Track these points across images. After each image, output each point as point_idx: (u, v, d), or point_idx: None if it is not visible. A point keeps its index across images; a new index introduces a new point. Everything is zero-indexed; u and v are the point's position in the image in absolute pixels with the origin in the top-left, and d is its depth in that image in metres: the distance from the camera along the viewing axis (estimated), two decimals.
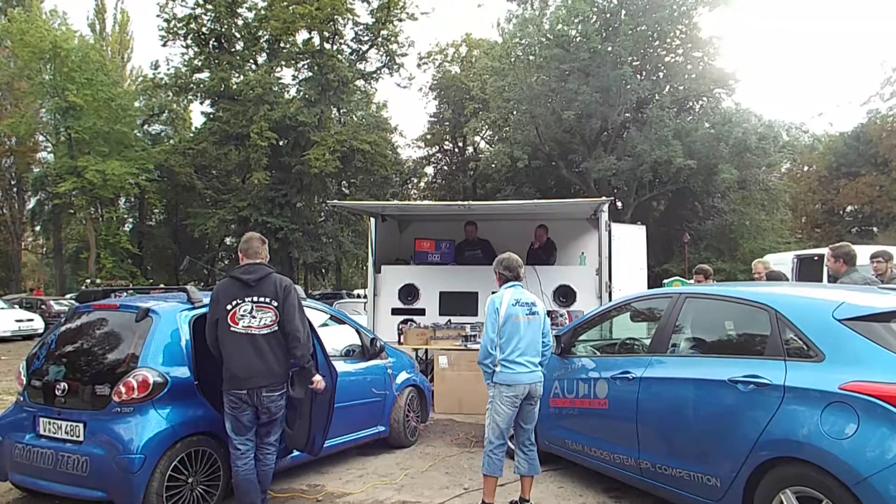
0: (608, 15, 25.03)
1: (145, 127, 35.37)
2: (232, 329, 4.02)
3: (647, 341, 4.63)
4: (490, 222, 9.39)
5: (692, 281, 8.01)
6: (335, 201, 23.91)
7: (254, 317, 4.04)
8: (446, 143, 39.63)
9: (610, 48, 23.98)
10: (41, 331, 18.89)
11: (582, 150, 27.34)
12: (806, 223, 39.72)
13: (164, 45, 29.16)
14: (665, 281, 17.05)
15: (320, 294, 28.53)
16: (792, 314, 3.49)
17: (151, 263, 37.75)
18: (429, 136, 39.26)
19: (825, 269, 11.02)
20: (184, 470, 4.11)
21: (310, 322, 4.54)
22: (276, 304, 4.07)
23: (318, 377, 4.23)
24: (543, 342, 4.33)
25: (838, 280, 5.47)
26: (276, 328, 4.08)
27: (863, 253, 6.16)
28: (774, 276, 6.75)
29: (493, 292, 4.46)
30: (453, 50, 37.69)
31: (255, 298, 4.06)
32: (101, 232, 30.87)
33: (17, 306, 21.87)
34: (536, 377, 4.24)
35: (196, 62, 29.03)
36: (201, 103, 31.02)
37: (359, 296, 24.69)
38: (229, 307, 4.03)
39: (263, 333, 4.04)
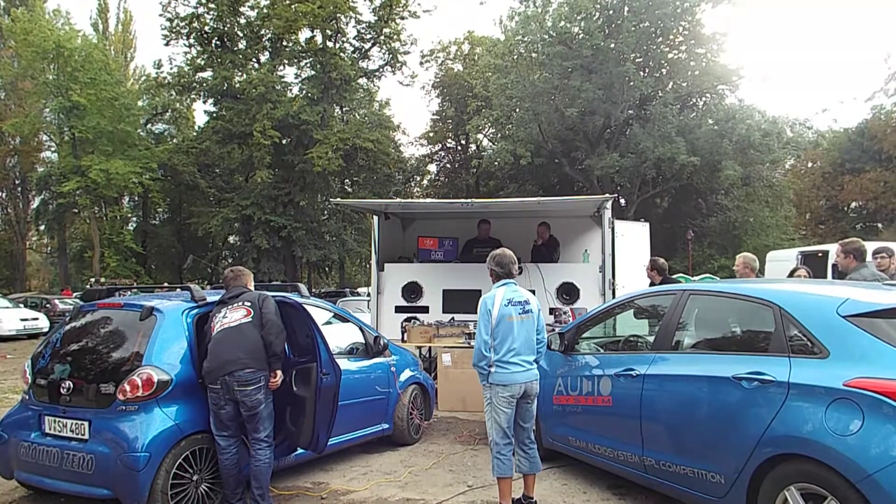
0: (611, 12, 24.97)
1: (149, 126, 35.44)
2: (212, 336, 4.30)
3: (651, 338, 4.62)
4: (494, 220, 9.39)
5: (696, 278, 8.00)
6: (338, 199, 23.86)
7: (225, 317, 4.34)
8: (449, 140, 39.56)
9: (613, 45, 23.91)
10: (46, 330, 18.97)
11: (585, 148, 27.30)
12: (810, 220, 39.60)
13: (166, 44, 29.15)
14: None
15: (323, 292, 28.58)
16: (796, 311, 3.48)
17: (155, 262, 37.86)
18: (431, 134, 39.18)
19: (829, 265, 11.04)
20: (188, 468, 4.13)
21: (313, 320, 4.57)
22: (248, 304, 4.39)
23: (278, 374, 4.38)
24: (538, 339, 4.33)
25: (847, 276, 5.44)
26: (250, 320, 4.32)
27: (868, 249, 6.13)
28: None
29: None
30: (456, 48, 37.64)
31: (230, 306, 4.41)
32: (105, 231, 30.99)
33: (21, 305, 21.97)
34: (532, 375, 4.24)
35: (199, 61, 29.02)
36: (204, 102, 31.04)
37: (359, 294, 24.73)
38: (211, 324, 4.37)
39: (233, 325, 4.29)
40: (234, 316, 4.34)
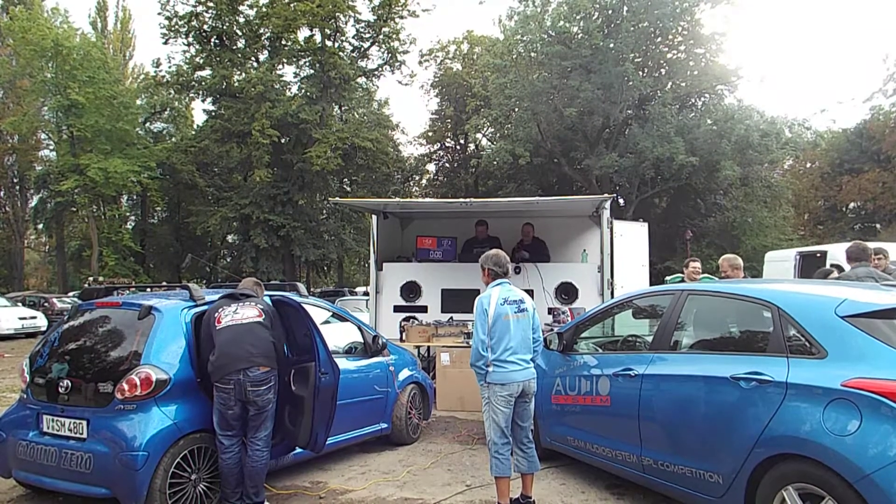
0: (610, 11, 24.96)
1: (147, 125, 35.39)
2: (217, 328, 4.26)
3: (650, 338, 4.63)
4: (492, 220, 9.40)
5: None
6: (337, 199, 23.85)
7: (237, 312, 4.33)
8: (448, 140, 39.54)
9: (612, 45, 23.91)
10: (44, 328, 18.93)
11: (584, 147, 27.29)
12: (808, 220, 39.63)
13: (165, 42, 29.12)
14: (668, 278, 17.03)
15: (322, 292, 28.56)
16: (794, 311, 3.48)
17: (154, 261, 37.77)
18: (430, 134, 39.17)
19: (828, 265, 11.05)
20: (187, 467, 4.13)
21: (312, 320, 4.58)
22: (261, 307, 4.42)
23: None
24: (534, 338, 4.34)
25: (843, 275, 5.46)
26: (262, 320, 4.35)
27: None
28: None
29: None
30: (455, 47, 37.61)
31: (241, 303, 4.42)
32: (103, 230, 30.90)
33: (20, 304, 21.93)
34: (529, 374, 4.24)
35: (197, 60, 28.98)
36: (203, 101, 31.03)
37: (356, 293, 24.70)
38: (216, 314, 4.33)
39: (245, 322, 4.28)
40: (247, 313, 4.34)
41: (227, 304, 4.43)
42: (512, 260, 8.69)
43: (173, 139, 34.99)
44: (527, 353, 4.25)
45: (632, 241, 9.25)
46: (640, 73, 25.21)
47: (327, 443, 4.77)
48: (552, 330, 5.74)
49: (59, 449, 4.13)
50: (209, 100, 30.21)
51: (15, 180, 37.85)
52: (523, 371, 4.20)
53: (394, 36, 30.77)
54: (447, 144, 39.96)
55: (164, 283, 17.85)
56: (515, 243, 9.17)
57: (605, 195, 9.21)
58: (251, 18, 29.07)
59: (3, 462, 4.47)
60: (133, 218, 37.60)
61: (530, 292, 7.13)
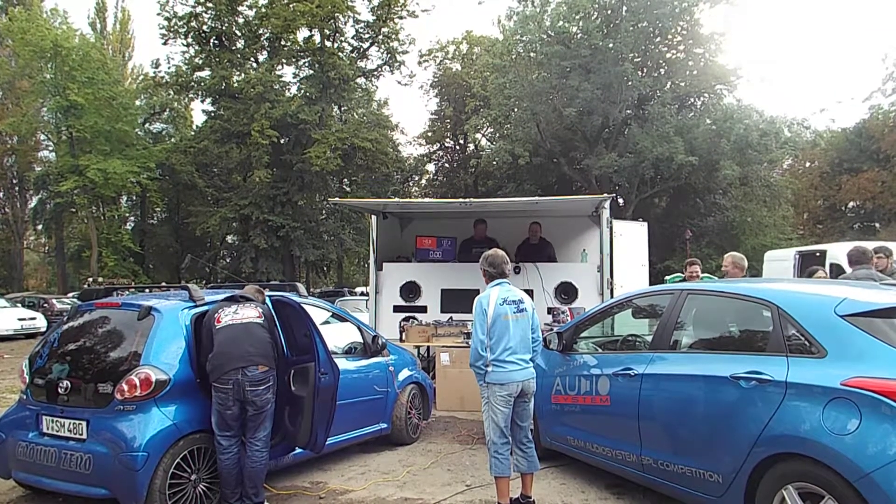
0: (609, 11, 24.97)
1: (146, 125, 35.38)
2: (217, 327, 4.27)
3: (649, 338, 4.63)
4: (492, 220, 9.40)
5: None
6: (336, 199, 23.88)
7: (237, 313, 4.36)
8: (447, 140, 39.54)
9: (611, 45, 23.90)
10: (43, 329, 18.92)
11: (583, 147, 27.29)
12: (808, 219, 39.61)
13: (164, 43, 29.11)
14: (667, 277, 17.03)
15: (321, 292, 28.56)
16: (794, 310, 3.48)
17: (153, 262, 37.77)
18: (430, 134, 39.16)
19: (827, 265, 11.07)
20: (186, 467, 4.13)
21: (311, 320, 4.58)
22: (261, 309, 4.46)
23: None
24: (533, 338, 4.34)
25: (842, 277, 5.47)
26: (262, 321, 4.39)
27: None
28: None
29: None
30: (454, 47, 37.60)
31: (241, 304, 4.46)
32: (102, 230, 30.89)
33: (19, 305, 21.92)
34: (529, 374, 4.24)
35: (197, 60, 28.98)
36: (202, 101, 31.01)
37: (355, 293, 24.70)
38: (216, 314, 4.34)
39: (244, 322, 4.32)
40: (246, 313, 4.38)
41: (228, 304, 4.44)
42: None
43: (173, 140, 34.95)
44: (526, 352, 4.25)
45: (631, 240, 9.26)
46: (640, 72, 25.22)
47: (327, 443, 4.77)
48: (552, 329, 5.74)
49: (58, 449, 4.12)
50: (208, 100, 30.21)
51: (14, 181, 37.83)
52: (522, 371, 4.20)
53: (393, 36, 30.79)
54: (447, 144, 39.96)
55: (164, 284, 17.84)
56: (520, 242, 9.16)
57: (605, 195, 9.22)
58: (250, 19, 29.07)
59: (3, 463, 4.47)
60: (132, 218, 37.59)
61: (530, 292, 7.14)
